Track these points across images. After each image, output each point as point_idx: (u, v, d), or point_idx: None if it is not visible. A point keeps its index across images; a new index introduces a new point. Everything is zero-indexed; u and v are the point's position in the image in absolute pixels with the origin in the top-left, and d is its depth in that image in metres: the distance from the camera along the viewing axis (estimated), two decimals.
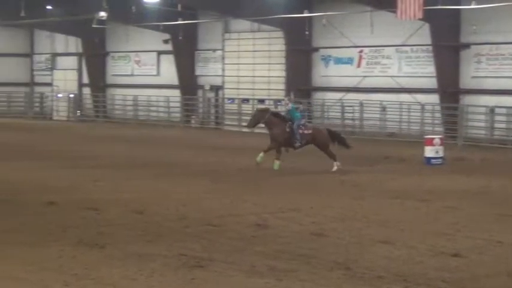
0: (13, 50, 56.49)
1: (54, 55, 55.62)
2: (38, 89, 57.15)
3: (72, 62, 54.18)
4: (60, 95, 53.70)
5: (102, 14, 43.92)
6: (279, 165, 24.55)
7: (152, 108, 48.88)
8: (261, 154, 24.50)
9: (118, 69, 51.94)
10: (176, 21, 44.67)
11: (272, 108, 26.92)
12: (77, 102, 53.37)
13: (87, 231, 14.51)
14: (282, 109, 27.11)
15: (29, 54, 57.50)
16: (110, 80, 52.50)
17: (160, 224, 15.51)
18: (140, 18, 45.21)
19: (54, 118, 53.18)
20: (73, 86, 53.72)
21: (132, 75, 51.02)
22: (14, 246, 13.08)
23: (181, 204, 17.89)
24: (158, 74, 49.61)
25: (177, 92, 47.32)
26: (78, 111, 53.13)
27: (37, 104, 57.22)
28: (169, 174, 23.45)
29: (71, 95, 53.31)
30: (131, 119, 48.92)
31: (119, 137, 37.63)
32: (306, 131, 25.06)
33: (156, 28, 45.75)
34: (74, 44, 53.70)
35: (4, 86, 55.52)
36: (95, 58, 52.41)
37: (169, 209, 17.33)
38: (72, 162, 26.32)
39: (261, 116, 25.37)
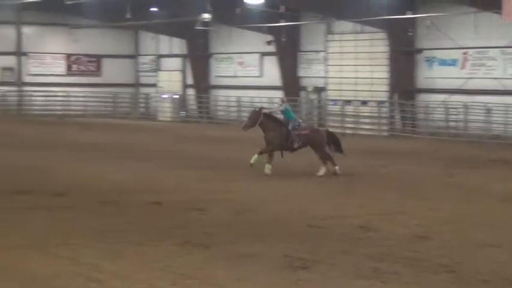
0: (119, 51, 57.62)
1: (159, 56, 56.53)
2: (143, 90, 58.17)
3: (176, 63, 54.95)
4: (164, 96, 54.53)
5: (206, 15, 44.45)
6: (271, 169, 23.53)
7: None
8: (255, 156, 23.58)
9: (221, 70, 52.46)
10: (279, 22, 44.85)
11: (265, 110, 25.20)
12: (181, 103, 54.09)
13: (193, 231, 14.71)
14: (275, 109, 25.72)
15: (134, 56, 58.57)
16: (213, 81, 53.05)
17: (264, 224, 15.62)
18: (243, 20, 45.55)
19: (159, 119, 54.01)
20: (177, 87, 54.46)
21: (235, 76, 51.45)
22: (122, 246, 13.36)
23: (286, 206, 17.96)
24: (261, 75, 49.90)
25: (279, 93, 47.47)
26: (183, 112, 53.84)
27: (142, 105, 58.23)
28: (275, 176, 23.35)
29: (175, 96, 54.06)
30: (234, 119, 49.31)
31: (221, 138, 37.98)
32: (302, 132, 24.09)
33: (259, 30, 46.01)
34: (178, 45, 54.46)
35: (110, 86, 56.68)
36: (199, 59, 53.03)
37: (273, 209, 17.42)
38: (177, 163, 26.67)
39: (257, 116, 24.14)
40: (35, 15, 53.89)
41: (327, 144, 24.11)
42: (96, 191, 19.91)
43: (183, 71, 54.57)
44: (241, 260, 12.39)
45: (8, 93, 54.05)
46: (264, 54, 49.15)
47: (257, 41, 48.38)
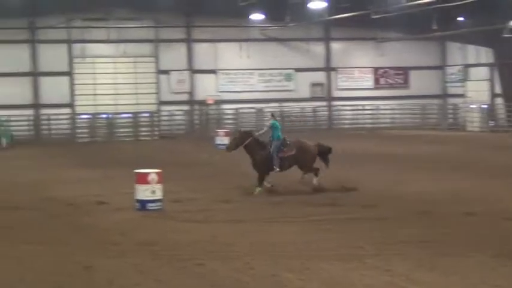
0: (426, 62, 57.49)
1: (466, 66, 55.70)
2: (450, 100, 57.57)
3: (484, 72, 53.87)
4: (473, 106, 53.64)
5: None
6: (260, 191, 21.92)
7: None
8: (258, 189, 22.06)
9: None
10: None
11: (256, 133, 23.05)
12: (489, 112, 52.92)
13: (508, 243, 14.42)
14: (263, 131, 23.40)
15: (441, 67, 58.12)
16: None
17: None
18: None
19: (468, 129, 53.18)
20: (485, 97, 53.38)
21: None
22: (434, 257, 13.38)
23: None
24: None
25: None
26: (491, 122, 52.63)
27: (450, 116, 57.62)
28: None
29: (484, 106, 52.99)
30: None
31: None
32: (288, 153, 22.45)
33: None
34: (485, 54, 53.37)
35: (418, 98, 56.65)
36: (508, 68, 51.58)
37: None
38: (485, 173, 26.19)
39: (243, 138, 22.69)
40: (342, 31, 55.23)
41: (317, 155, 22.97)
42: (408, 201, 20.05)
43: (491, 80, 53.35)
44: None
45: (318, 108, 55.74)
46: None
47: None
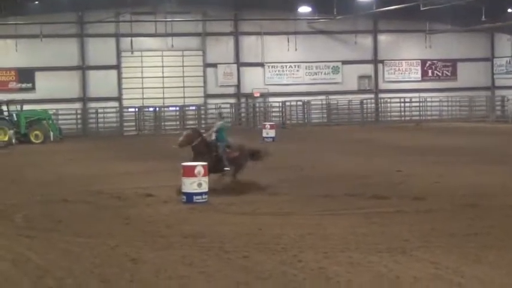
0: (474, 54, 56.97)
1: None
2: (498, 92, 56.98)
3: None
4: None
5: None
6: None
7: None
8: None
9: None
10: None
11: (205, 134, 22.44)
12: None
13: None
14: (212, 131, 22.70)
15: (490, 58, 57.53)
16: None
17: None
18: None
19: None
20: None
21: None
22: (481, 250, 13.28)
23: None
24: None
25: None
26: None
27: (498, 108, 57.04)
28: None
29: None
30: None
31: None
32: (232, 154, 22.20)
33: None
34: None
35: (466, 90, 56.27)
36: None
37: None
38: None
39: (193, 137, 22.09)
40: (390, 23, 54.94)
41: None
42: (454, 194, 19.92)
43: None
44: None
45: (364, 101, 55.51)
46: None
47: None
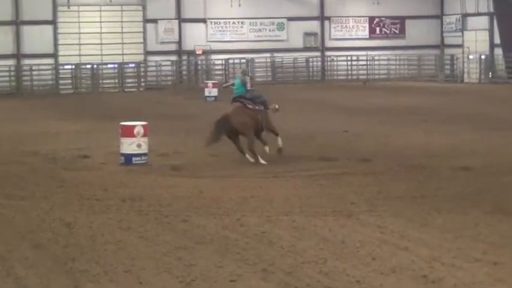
0: (423, 11, 57.09)
1: (465, 15, 55.39)
2: (448, 51, 57.36)
3: (483, 22, 53.59)
4: (471, 57, 53.48)
5: None
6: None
7: None
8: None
9: None
10: None
11: None
12: (488, 64, 52.76)
13: (503, 198, 14.41)
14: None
15: (439, 16, 57.78)
16: None
17: None
18: None
19: (465, 81, 53.09)
20: (484, 47, 53.16)
21: None
22: (429, 213, 13.37)
23: None
24: None
25: None
26: (490, 73, 52.51)
27: (447, 67, 57.47)
28: None
29: (482, 57, 52.81)
30: None
31: None
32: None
33: None
34: (485, 3, 53.04)
35: (414, 49, 56.47)
36: (507, 18, 51.29)
37: None
38: (483, 126, 26.17)
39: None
40: None
41: None
42: (402, 155, 20.03)
43: (490, 30, 53.09)
44: None
45: (310, 59, 55.49)
46: None
47: None
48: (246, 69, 28.48)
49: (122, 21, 51.80)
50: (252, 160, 19.18)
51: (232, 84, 23.70)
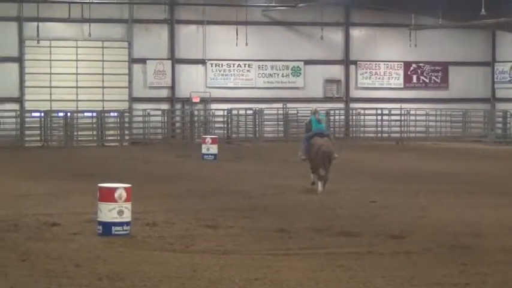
0: (470, 57, 57.41)
1: None
2: (499, 105, 57.55)
3: None
4: None
5: None
6: None
7: None
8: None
9: None
10: None
11: None
12: None
13: None
14: None
15: (490, 63, 58.11)
16: None
17: None
18: None
19: None
20: None
21: None
22: None
23: None
24: None
25: None
26: None
27: (499, 125, 57.54)
28: None
29: None
30: None
31: None
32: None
33: None
34: None
35: (459, 102, 56.54)
36: None
37: None
38: None
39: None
40: (366, 15, 55.38)
41: None
42: (441, 232, 20.04)
43: None
44: None
45: (332, 112, 55.56)
46: None
47: None
48: (315, 108, 31.16)
49: (102, 60, 52.24)
50: (320, 189, 26.41)
51: (308, 123, 29.29)
